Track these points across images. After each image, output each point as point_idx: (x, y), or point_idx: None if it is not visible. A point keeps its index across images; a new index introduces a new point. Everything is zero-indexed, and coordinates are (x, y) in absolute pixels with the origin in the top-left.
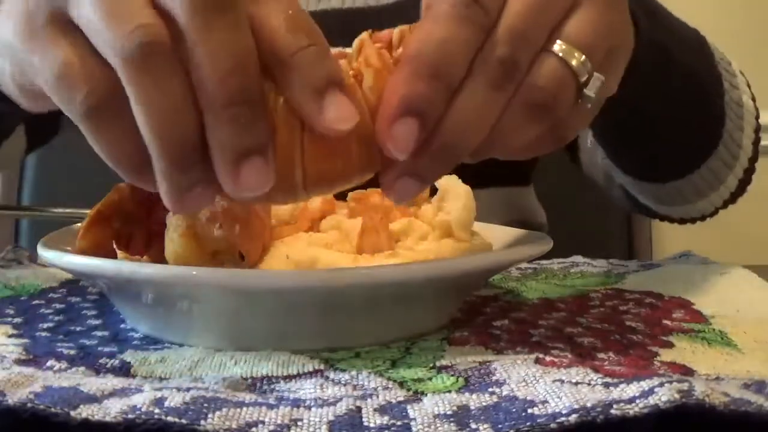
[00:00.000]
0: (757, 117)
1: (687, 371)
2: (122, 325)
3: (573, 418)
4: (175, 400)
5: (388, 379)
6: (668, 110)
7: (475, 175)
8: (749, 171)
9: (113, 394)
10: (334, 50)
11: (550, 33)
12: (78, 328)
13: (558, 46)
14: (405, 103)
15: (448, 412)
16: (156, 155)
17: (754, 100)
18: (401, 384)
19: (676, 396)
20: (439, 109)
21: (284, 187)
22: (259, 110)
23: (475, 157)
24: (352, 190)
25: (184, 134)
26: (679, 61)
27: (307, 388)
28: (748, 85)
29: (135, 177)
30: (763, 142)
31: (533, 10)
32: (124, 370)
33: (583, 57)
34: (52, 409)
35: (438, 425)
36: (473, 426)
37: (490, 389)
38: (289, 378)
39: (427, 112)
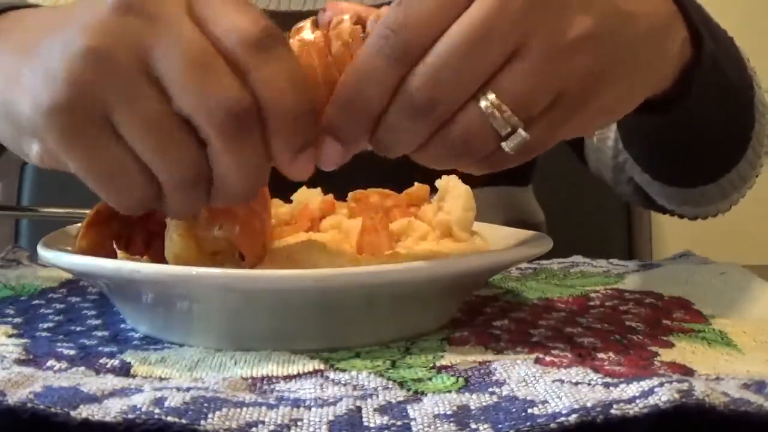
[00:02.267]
0: None
1: (687, 371)
2: (122, 325)
3: (573, 418)
4: (175, 400)
5: (388, 379)
6: (712, 121)
7: (473, 175)
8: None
9: (113, 394)
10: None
11: (482, 82)
12: (78, 328)
13: (485, 100)
14: (328, 128)
15: (448, 412)
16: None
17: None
18: (401, 384)
19: (676, 396)
20: (359, 135)
21: None
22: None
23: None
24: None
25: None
26: (727, 75)
27: (307, 388)
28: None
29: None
30: None
31: (461, 55)
32: (124, 370)
33: (508, 113)
34: (52, 409)
35: (438, 425)
36: (473, 426)
37: (490, 389)
38: (289, 378)
39: (346, 139)
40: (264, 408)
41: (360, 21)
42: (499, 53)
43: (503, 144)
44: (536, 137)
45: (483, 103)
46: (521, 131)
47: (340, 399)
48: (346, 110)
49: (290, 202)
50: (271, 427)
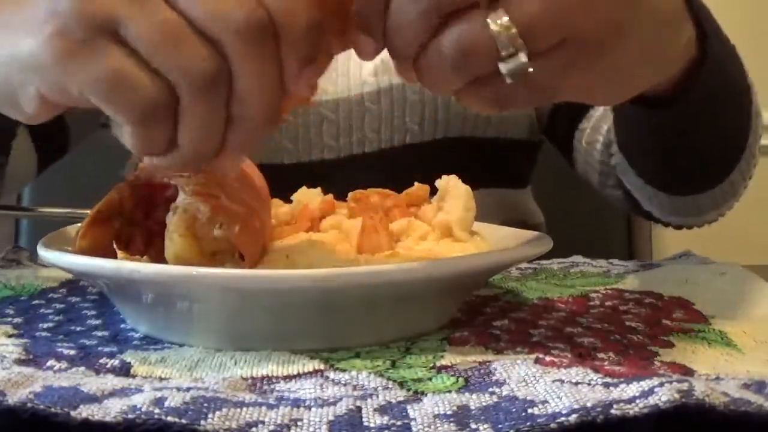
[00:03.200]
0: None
1: (687, 371)
2: (122, 325)
3: (573, 418)
4: (175, 400)
5: (388, 379)
6: (711, 124)
7: (471, 177)
8: (750, 173)
9: (113, 394)
10: None
11: None
12: (78, 328)
13: (493, 13)
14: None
15: (448, 412)
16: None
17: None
18: (401, 384)
19: (676, 396)
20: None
21: None
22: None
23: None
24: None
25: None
26: (729, 78)
27: (307, 388)
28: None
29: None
30: (763, 142)
31: None
32: (124, 370)
33: (514, 31)
34: (52, 409)
35: (438, 425)
36: (473, 426)
37: (490, 389)
38: (289, 378)
39: (372, 30)
40: (264, 408)
41: None
42: None
43: (501, 65)
44: (537, 76)
45: (492, 16)
46: (522, 55)
47: (340, 399)
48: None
49: (290, 202)
50: (271, 427)
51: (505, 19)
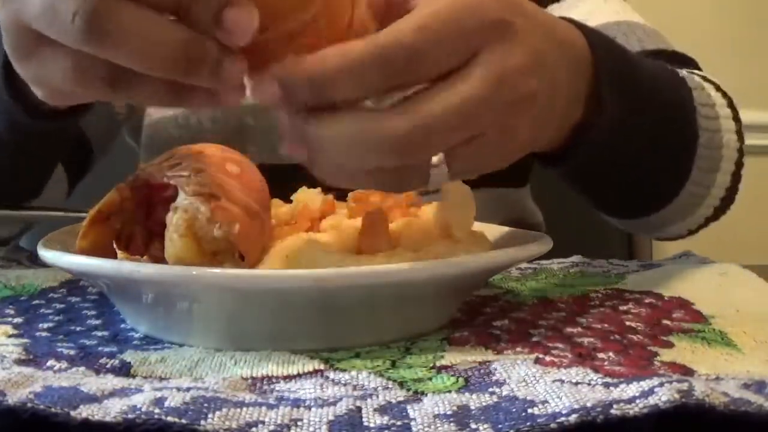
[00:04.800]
0: (740, 149)
1: (687, 371)
2: (122, 325)
3: (573, 418)
4: (175, 400)
5: (388, 379)
6: (632, 173)
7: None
8: (729, 197)
9: (113, 394)
10: None
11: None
12: (78, 328)
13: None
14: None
15: (448, 412)
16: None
17: (738, 125)
18: (401, 384)
19: (676, 396)
20: (302, 101)
21: None
22: None
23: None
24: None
25: None
26: (650, 133)
27: (307, 388)
28: (734, 117)
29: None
30: (763, 142)
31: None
32: (124, 370)
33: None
34: (52, 409)
35: (438, 425)
36: (473, 426)
37: (490, 389)
38: (289, 378)
39: (290, 95)
40: (264, 408)
41: None
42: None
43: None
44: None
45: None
46: (444, 166)
47: (340, 399)
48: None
49: (290, 202)
50: (271, 427)
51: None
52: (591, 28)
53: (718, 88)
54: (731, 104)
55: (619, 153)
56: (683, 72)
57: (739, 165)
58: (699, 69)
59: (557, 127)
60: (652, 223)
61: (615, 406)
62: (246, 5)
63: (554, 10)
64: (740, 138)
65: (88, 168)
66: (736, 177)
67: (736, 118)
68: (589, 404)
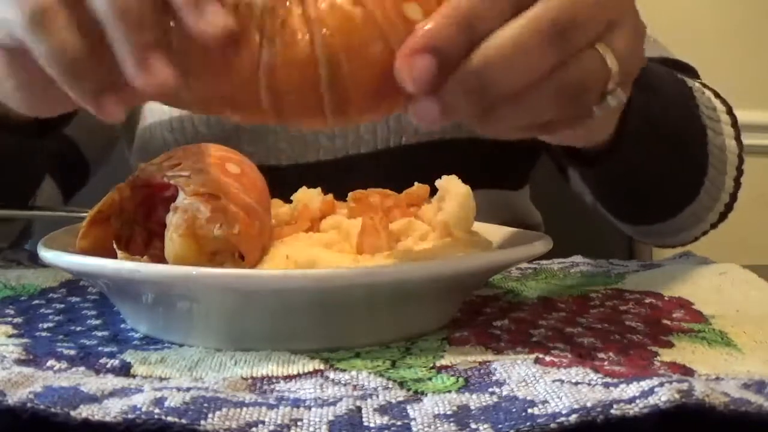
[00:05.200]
0: (739, 155)
1: (687, 371)
2: (122, 325)
3: (573, 418)
4: (175, 400)
5: (388, 379)
6: (652, 170)
7: (467, 177)
8: (730, 203)
9: (113, 394)
10: None
11: (599, 32)
12: (78, 328)
13: (602, 48)
14: (425, 39)
15: (448, 412)
16: (116, 26)
17: (737, 131)
18: (401, 384)
19: (676, 396)
20: (459, 53)
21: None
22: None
23: (486, 125)
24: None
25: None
26: (666, 127)
27: (307, 388)
28: (733, 123)
29: (78, 75)
30: (763, 142)
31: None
32: (124, 370)
33: (617, 67)
34: (52, 409)
35: (438, 425)
36: (473, 426)
37: (490, 389)
38: (289, 378)
39: (445, 52)
40: (264, 408)
41: None
42: (611, 11)
43: (609, 97)
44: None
45: (602, 51)
46: (620, 90)
47: (340, 399)
48: (458, 29)
49: (290, 202)
50: (271, 427)
51: (613, 56)
52: None
53: (717, 95)
54: (730, 111)
55: (645, 145)
56: (682, 75)
57: (739, 171)
58: (698, 76)
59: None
60: (667, 228)
61: (615, 406)
62: None
63: None
64: (740, 145)
65: (84, 182)
66: (738, 183)
67: (735, 125)
68: (589, 404)
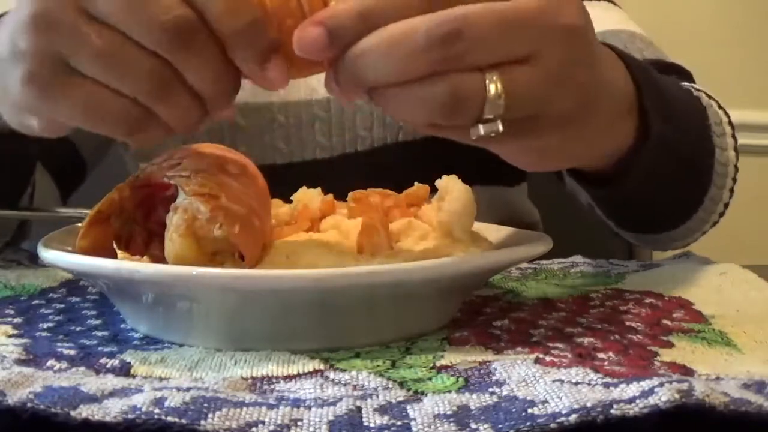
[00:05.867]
0: (736, 164)
1: (687, 371)
2: (122, 325)
3: (573, 418)
4: (175, 400)
5: (388, 379)
6: (659, 194)
7: (464, 174)
8: (724, 210)
9: (113, 394)
10: None
11: (498, 58)
12: (78, 328)
13: (490, 78)
14: (324, 16)
15: (448, 412)
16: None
17: (735, 141)
18: (401, 384)
19: (676, 396)
20: (351, 36)
21: None
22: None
23: (378, 106)
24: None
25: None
26: (682, 153)
27: (307, 388)
28: (732, 134)
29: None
30: (763, 142)
31: (496, 18)
32: (124, 370)
33: (502, 100)
34: (52, 409)
35: (438, 425)
36: (473, 426)
37: (490, 389)
38: (289, 378)
39: (336, 31)
40: (264, 408)
41: None
42: (522, 45)
43: (479, 126)
44: (499, 138)
45: (488, 79)
46: (498, 123)
47: (340, 399)
48: (357, 16)
49: (290, 202)
50: (271, 427)
51: (500, 86)
52: (625, 53)
53: (719, 106)
54: (729, 122)
55: (658, 174)
56: (692, 88)
57: (734, 180)
58: (694, 81)
59: (617, 142)
60: (662, 238)
61: (615, 406)
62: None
63: None
64: (737, 154)
65: (82, 180)
66: (732, 191)
67: (734, 135)
68: (589, 404)
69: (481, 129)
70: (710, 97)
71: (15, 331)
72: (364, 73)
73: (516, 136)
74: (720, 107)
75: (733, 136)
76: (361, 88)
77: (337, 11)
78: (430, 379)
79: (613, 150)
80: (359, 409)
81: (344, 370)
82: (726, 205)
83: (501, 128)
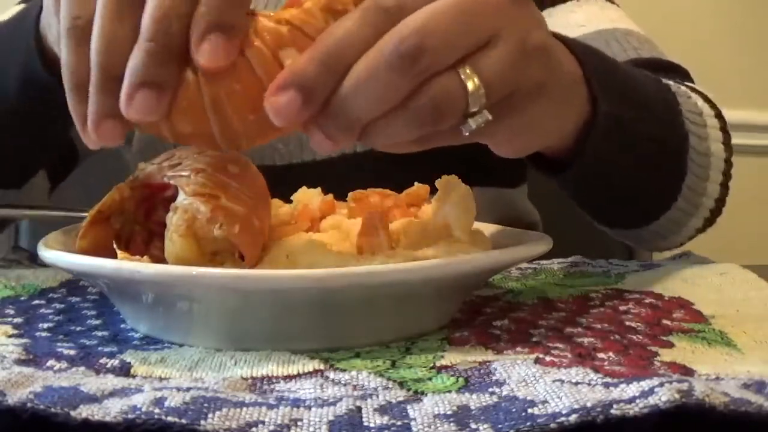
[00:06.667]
0: (726, 160)
1: (687, 371)
2: (122, 325)
3: (573, 418)
4: (175, 400)
5: (388, 379)
6: (626, 179)
7: (463, 175)
8: (717, 208)
9: (113, 394)
10: None
11: (463, 53)
12: (78, 328)
13: (464, 73)
14: (288, 76)
15: (448, 412)
16: (93, 75)
17: (726, 136)
18: (401, 384)
19: (676, 396)
20: (323, 88)
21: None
22: (167, 54)
23: (368, 143)
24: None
25: (115, 62)
26: (639, 132)
27: (307, 388)
28: (722, 127)
29: (76, 95)
30: (763, 142)
31: (451, 15)
32: (124, 370)
33: (482, 90)
34: (52, 409)
35: (438, 425)
36: (473, 426)
37: (490, 389)
38: (289, 378)
39: (307, 87)
40: (264, 408)
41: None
42: (480, 32)
43: (469, 120)
44: (490, 126)
45: (463, 75)
46: (486, 112)
47: (340, 399)
48: (318, 65)
49: (290, 202)
50: (271, 427)
51: (476, 79)
52: (572, 39)
53: (706, 99)
54: (719, 115)
55: (617, 154)
56: (667, 80)
57: (726, 176)
58: (691, 80)
59: (573, 117)
60: (647, 234)
61: (615, 406)
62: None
63: (550, 16)
64: (728, 149)
65: (71, 170)
66: (725, 188)
67: (724, 129)
68: (589, 404)
69: (472, 123)
70: (696, 91)
71: (15, 331)
72: (353, 115)
73: (503, 119)
74: (707, 101)
75: (723, 131)
76: (354, 132)
77: (299, 68)
78: (430, 379)
79: (576, 122)
80: (359, 409)
81: (344, 370)
82: (718, 201)
83: (490, 116)
